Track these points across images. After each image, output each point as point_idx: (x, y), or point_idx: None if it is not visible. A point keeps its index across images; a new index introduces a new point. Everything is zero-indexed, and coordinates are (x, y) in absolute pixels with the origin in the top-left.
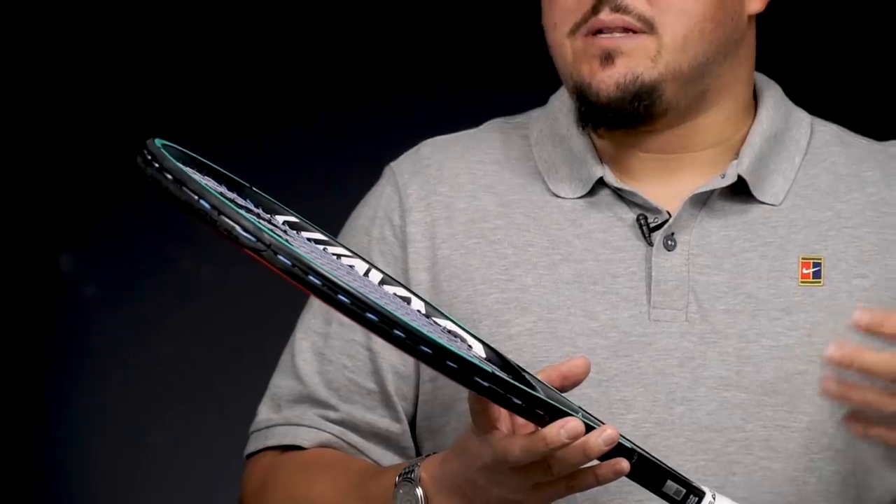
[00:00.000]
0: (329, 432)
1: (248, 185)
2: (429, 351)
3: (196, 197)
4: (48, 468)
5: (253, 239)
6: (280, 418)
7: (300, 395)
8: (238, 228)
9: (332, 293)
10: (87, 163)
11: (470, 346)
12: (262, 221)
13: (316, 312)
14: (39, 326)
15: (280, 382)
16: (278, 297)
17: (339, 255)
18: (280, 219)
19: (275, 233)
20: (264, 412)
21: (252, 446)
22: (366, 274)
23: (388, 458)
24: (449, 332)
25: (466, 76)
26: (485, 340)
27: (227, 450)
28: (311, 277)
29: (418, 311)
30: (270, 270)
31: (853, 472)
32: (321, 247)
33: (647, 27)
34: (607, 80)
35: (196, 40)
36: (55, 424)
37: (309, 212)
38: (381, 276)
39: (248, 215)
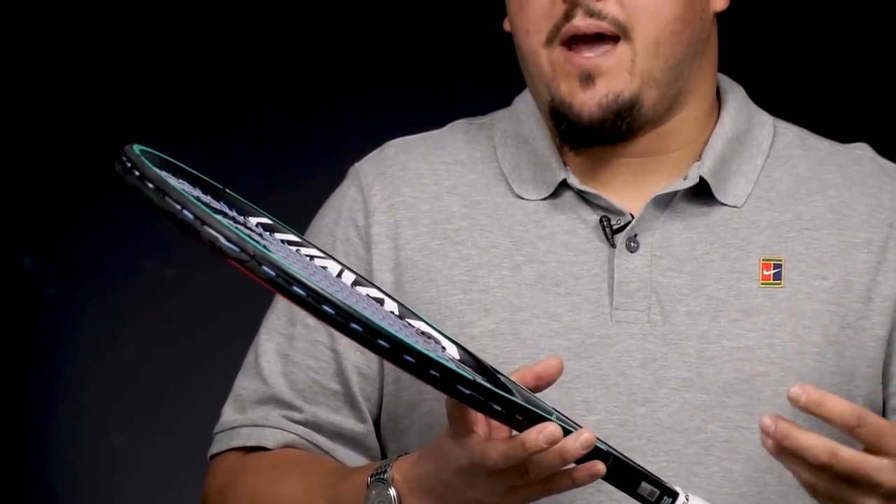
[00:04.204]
0: (294, 433)
1: (221, 187)
2: (412, 360)
3: (179, 207)
4: (8, 469)
5: (236, 249)
6: (244, 419)
7: (264, 396)
8: (221, 239)
9: (317, 304)
10: (52, 164)
11: (444, 347)
12: (242, 229)
13: (280, 314)
14: (1, 327)
15: (244, 384)
16: (242, 299)
17: (311, 257)
18: (253, 220)
19: (256, 240)
20: (228, 413)
21: (216, 447)
22: (338, 275)
23: (353, 458)
24: (422, 333)
25: (465, 76)
26: (458, 342)
27: (192, 452)
28: (295, 288)
29: (391, 312)
30: (252, 280)
31: None
32: (294, 248)
33: (622, 32)
34: (589, 102)
35: (178, 40)
36: (16, 426)
37: (305, 211)
38: (353, 277)
39: (230, 224)
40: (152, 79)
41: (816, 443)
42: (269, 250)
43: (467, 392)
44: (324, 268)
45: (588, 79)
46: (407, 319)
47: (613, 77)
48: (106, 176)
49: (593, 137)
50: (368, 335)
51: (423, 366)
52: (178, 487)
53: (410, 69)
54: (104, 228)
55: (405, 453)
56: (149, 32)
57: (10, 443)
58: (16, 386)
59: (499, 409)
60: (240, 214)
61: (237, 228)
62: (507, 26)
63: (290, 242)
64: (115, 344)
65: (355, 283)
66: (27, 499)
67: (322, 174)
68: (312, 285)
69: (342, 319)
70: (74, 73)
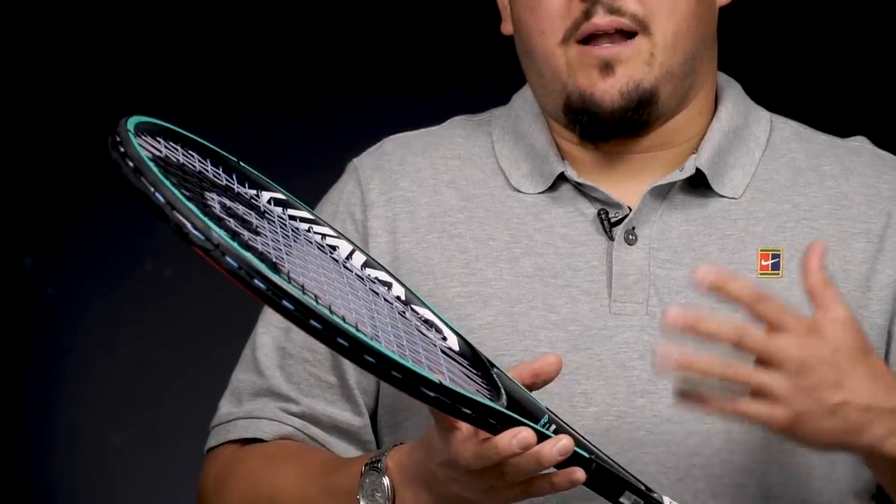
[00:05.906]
0: (291, 425)
1: (235, 159)
2: (373, 361)
3: (152, 189)
4: (8, 469)
5: (201, 237)
6: (241, 412)
7: (261, 388)
8: (188, 225)
9: (277, 298)
10: (52, 164)
11: (445, 336)
12: (216, 221)
13: None
14: (1, 327)
15: (241, 376)
16: (242, 299)
17: (324, 235)
18: (266, 195)
19: (229, 233)
20: (225, 406)
21: (213, 440)
22: (349, 255)
23: (349, 451)
24: (426, 321)
25: (465, 76)
26: (460, 332)
27: (192, 452)
28: (256, 281)
29: (398, 297)
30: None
31: (816, 465)
32: (306, 226)
33: (641, 27)
34: (610, 90)
35: (178, 39)
36: (16, 426)
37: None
38: (364, 258)
39: (201, 214)
40: (152, 78)
41: (724, 323)
42: (239, 245)
43: (431, 395)
44: (334, 248)
45: (607, 67)
46: (412, 305)
47: (632, 66)
48: (106, 175)
49: (613, 129)
50: (327, 332)
51: (384, 367)
52: (178, 487)
53: (410, 69)
54: (104, 228)
55: (401, 443)
56: (149, 32)
57: (10, 443)
58: (16, 386)
59: (468, 412)
60: (252, 188)
61: (207, 219)
62: (505, 29)
63: (304, 220)
64: (114, 344)
65: (365, 265)
66: (27, 499)
67: (322, 174)
68: (275, 279)
69: (302, 315)
70: (74, 72)
